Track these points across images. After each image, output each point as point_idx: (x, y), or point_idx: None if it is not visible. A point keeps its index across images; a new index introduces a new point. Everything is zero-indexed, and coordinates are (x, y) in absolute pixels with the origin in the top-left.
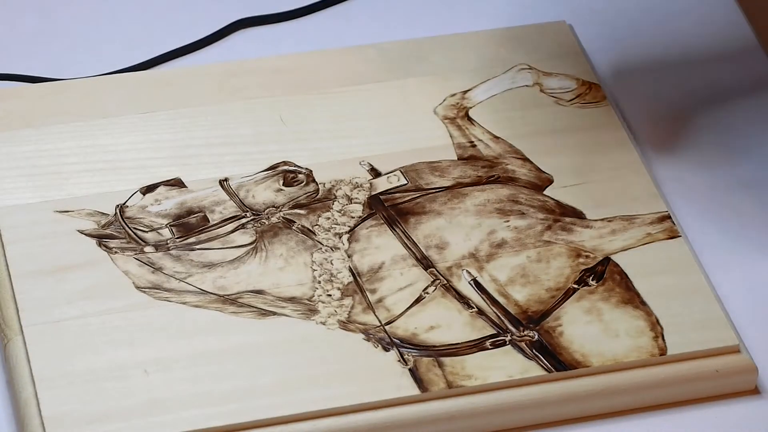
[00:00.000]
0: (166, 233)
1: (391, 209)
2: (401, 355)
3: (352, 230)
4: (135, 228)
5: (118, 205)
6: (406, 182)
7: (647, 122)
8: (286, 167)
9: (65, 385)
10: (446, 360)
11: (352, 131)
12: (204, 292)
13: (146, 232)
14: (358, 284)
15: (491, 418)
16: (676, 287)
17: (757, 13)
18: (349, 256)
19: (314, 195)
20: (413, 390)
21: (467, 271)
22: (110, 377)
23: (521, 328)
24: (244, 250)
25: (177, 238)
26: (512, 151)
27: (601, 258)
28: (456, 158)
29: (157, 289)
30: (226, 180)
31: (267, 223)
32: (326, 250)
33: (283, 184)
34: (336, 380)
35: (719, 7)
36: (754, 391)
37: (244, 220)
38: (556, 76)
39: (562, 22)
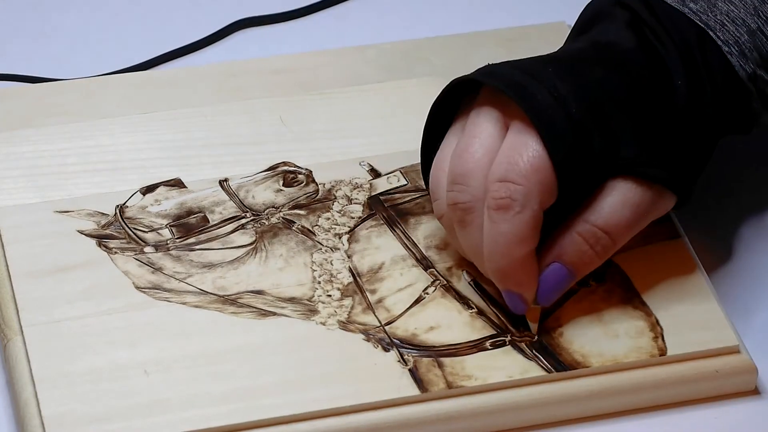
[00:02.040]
0: (166, 233)
1: (391, 210)
2: (401, 355)
3: (351, 231)
4: (135, 228)
5: (118, 206)
6: (406, 183)
7: None
8: (285, 167)
9: (65, 385)
10: (446, 360)
11: (352, 131)
12: (204, 292)
13: (146, 232)
14: (358, 285)
15: (491, 419)
16: (676, 287)
17: None
18: (348, 257)
19: (314, 195)
20: (413, 390)
21: (467, 271)
22: (110, 377)
23: (521, 329)
24: (244, 250)
25: (177, 238)
26: None
27: None
28: None
29: (157, 289)
30: (225, 180)
31: (267, 223)
32: (326, 251)
33: (282, 185)
34: (336, 380)
35: None
36: (754, 392)
37: (243, 221)
38: None
39: (562, 23)
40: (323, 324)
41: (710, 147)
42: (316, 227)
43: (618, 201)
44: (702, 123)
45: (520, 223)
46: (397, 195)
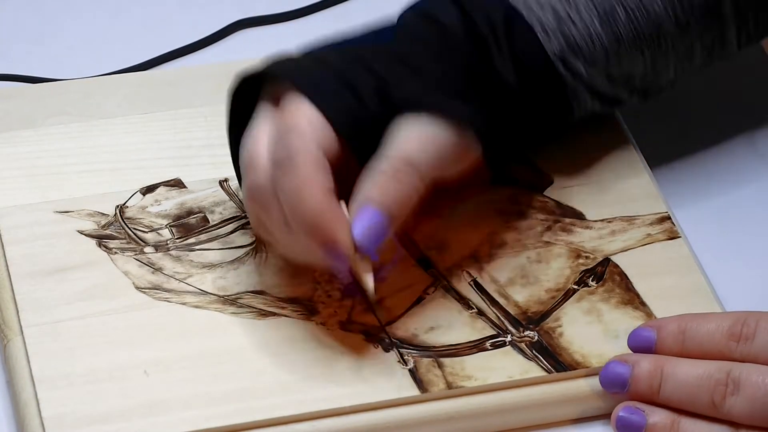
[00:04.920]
0: (166, 234)
1: None
2: (401, 355)
3: None
4: (135, 228)
5: (118, 206)
6: None
7: (647, 122)
8: None
9: (65, 386)
10: (446, 360)
11: None
12: (204, 292)
13: (146, 232)
14: (358, 285)
15: (491, 419)
16: (676, 288)
17: None
18: None
19: None
20: (413, 390)
21: (467, 271)
22: (110, 377)
23: (521, 329)
24: (244, 250)
25: (177, 238)
26: None
27: (600, 259)
28: None
29: (157, 289)
30: (225, 180)
31: None
32: None
33: None
34: (336, 380)
35: None
36: None
37: (244, 221)
38: None
39: None
40: (323, 324)
41: (517, 113)
42: None
43: (411, 131)
44: (505, 85)
45: (300, 167)
46: None
